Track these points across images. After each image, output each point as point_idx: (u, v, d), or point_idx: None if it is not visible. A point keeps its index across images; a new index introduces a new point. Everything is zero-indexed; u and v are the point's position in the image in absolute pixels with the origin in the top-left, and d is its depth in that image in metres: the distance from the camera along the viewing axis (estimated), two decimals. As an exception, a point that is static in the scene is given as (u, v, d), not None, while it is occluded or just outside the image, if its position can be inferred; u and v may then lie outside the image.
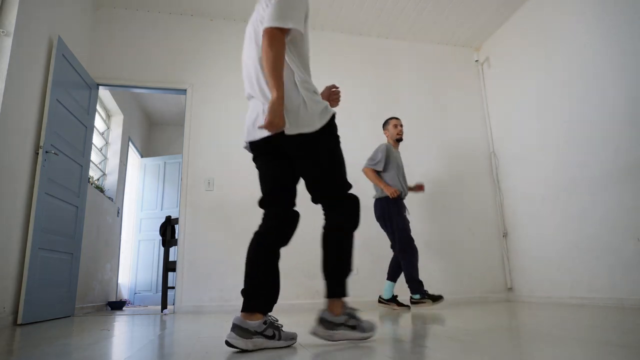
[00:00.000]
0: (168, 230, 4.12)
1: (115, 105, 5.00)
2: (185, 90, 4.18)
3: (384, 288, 3.59)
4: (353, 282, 3.98)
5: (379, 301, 3.57)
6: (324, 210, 1.70)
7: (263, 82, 1.62)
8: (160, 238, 4.25)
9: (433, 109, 4.75)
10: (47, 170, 2.99)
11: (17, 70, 2.71)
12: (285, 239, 1.67)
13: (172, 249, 4.12)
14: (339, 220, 1.66)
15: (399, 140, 3.76)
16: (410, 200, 4.45)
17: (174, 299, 3.73)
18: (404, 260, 3.37)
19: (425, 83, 4.81)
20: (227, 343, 1.45)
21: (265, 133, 1.59)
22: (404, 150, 4.57)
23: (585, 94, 3.53)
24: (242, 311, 1.53)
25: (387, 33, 4.78)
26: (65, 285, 3.29)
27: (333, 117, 1.65)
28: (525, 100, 4.23)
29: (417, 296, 3.31)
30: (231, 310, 3.67)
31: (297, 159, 1.64)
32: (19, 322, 2.63)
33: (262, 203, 1.70)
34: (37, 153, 2.93)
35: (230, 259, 3.80)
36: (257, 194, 1.74)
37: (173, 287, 3.81)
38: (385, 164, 3.59)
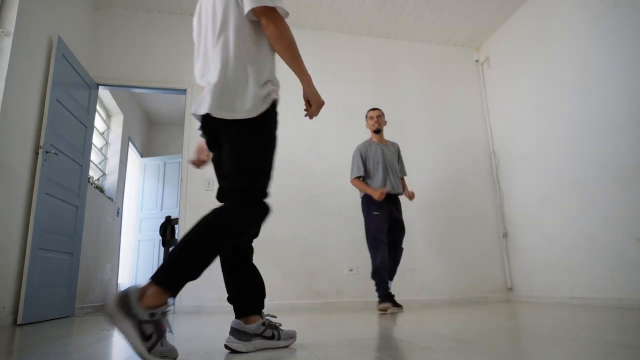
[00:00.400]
0: (168, 230, 4.12)
1: (115, 105, 5.00)
2: (185, 90, 4.18)
3: None
4: (353, 283, 4.02)
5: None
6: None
7: (212, 66, 1.49)
8: (160, 238, 4.25)
9: (433, 109, 4.75)
10: (47, 170, 2.99)
11: (17, 70, 2.71)
12: (252, 233, 1.56)
13: (172, 249, 4.12)
14: (227, 212, 1.39)
15: (376, 131, 3.59)
16: (413, 200, 4.46)
17: (174, 299, 3.73)
18: (372, 260, 3.34)
19: (425, 83, 4.82)
20: (227, 347, 1.45)
21: (195, 110, 1.47)
22: (405, 150, 4.58)
23: (585, 94, 3.53)
24: (236, 317, 1.53)
25: (387, 33, 4.78)
26: (65, 285, 3.29)
27: (272, 110, 1.48)
28: (525, 100, 4.23)
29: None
30: (231, 310, 3.66)
31: (223, 145, 1.49)
32: (19, 322, 2.63)
33: (218, 195, 1.55)
34: (37, 153, 2.93)
35: (230, 259, 3.80)
36: (257, 194, 1.72)
37: (173, 287, 3.81)
38: (365, 167, 3.50)
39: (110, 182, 4.90)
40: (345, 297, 3.96)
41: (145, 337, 1.18)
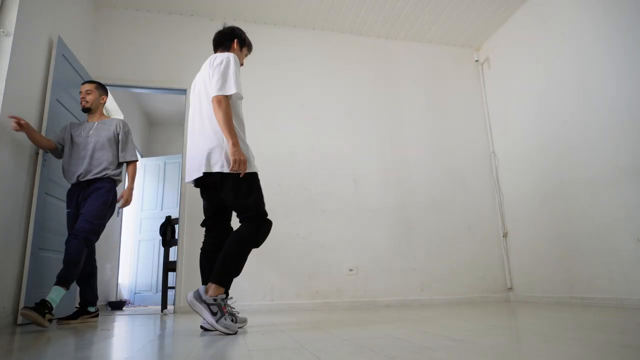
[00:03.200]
0: (168, 230, 4.12)
1: (115, 105, 4.99)
2: (185, 90, 4.18)
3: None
4: (352, 282, 4.02)
5: None
6: (240, 222, 2.17)
7: (208, 127, 2.16)
8: (160, 238, 4.25)
9: (433, 109, 4.75)
10: (47, 170, 2.99)
11: (17, 70, 2.71)
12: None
13: (172, 249, 4.12)
14: (243, 231, 2.12)
15: (84, 110, 3.00)
16: (413, 198, 4.48)
17: (174, 299, 3.73)
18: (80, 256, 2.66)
19: (425, 83, 4.82)
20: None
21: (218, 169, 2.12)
22: (405, 150, 4.57)
23: (585, 94, 3.53)
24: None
25: (387, 33, 4.78)
26: (65, 285, 3.28)
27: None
28: (525, 100, 4.23)
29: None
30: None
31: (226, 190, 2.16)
32: (19, 322, 2.63)
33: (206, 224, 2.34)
34: (37, 153, 2.93)
35: (230, 259, 3.80)
36: (257, 194, 1.72)
37: (173, 287, 3.81)
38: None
39: (110, 182, 4.89)
40: (345, 297, 3.97)
41: (213, 314, 1.94)
